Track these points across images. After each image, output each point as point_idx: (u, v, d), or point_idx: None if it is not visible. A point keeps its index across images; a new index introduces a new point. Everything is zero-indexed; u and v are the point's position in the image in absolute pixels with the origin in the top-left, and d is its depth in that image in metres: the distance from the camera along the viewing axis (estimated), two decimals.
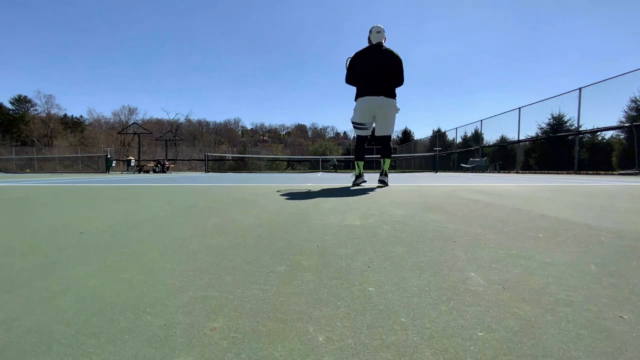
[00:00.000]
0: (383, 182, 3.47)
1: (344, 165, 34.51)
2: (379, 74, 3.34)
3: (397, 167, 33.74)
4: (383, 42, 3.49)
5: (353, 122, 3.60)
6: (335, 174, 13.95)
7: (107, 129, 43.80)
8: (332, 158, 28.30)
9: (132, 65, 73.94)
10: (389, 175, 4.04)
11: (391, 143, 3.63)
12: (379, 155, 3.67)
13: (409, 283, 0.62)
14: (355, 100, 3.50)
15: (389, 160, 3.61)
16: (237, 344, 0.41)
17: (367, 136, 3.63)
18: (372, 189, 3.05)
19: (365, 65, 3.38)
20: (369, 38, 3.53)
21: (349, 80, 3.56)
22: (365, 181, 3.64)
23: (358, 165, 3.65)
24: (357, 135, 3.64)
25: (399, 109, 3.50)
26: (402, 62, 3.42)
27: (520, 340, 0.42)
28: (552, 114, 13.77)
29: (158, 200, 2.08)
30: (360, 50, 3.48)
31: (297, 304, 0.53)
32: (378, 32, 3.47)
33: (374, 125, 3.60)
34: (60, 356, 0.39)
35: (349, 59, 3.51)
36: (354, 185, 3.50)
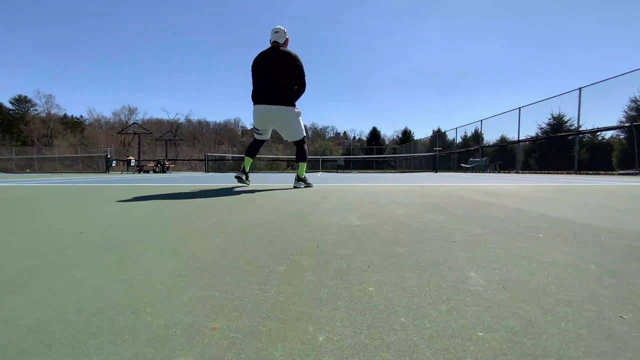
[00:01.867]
0: (297, 187, 3.20)
1: (344, 165, 34.53)
2: (273, 79, 3.09)
3: (397, 167, 33.76)
4: (283, 44, 3.25)
5: (253, 125, 3.42)
6: (337, 174, 13.95)
7: (107, 129, 43.84)
8: (339, 158, 28.23)
9: (132, 65, 73.95)
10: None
11: (305, 145, 3.42)
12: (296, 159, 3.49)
13: (409, 283, 0.62)
14: (253, 104, 3.28)
15: (303, 164, 3.39)
16: (237, 344, 0.41)
17: (263, 140, 3.43)
18: (371, 189, 3.05)
19: (260, 68, 3.14)
20: (270, 40, 3.32)
21: (253, 86, 3.28)
22: (242, 180, 3.34)
23: (246, 160, 3.42)
24: (254, 137, 3.47)
25: (300, 113, 3.27)
26: (302, 66, 3.16)
27: (520, 340, 0.42)
28: (552, 114, 13.79)
29: (157, 201, 2.08)
30: (260, 53, 3.23)
31: (297, 304, 0.53)
32: (276, 32, 3.23)
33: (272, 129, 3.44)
34: (60, 356, 0.39)
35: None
36: (238, 181, 3.37)
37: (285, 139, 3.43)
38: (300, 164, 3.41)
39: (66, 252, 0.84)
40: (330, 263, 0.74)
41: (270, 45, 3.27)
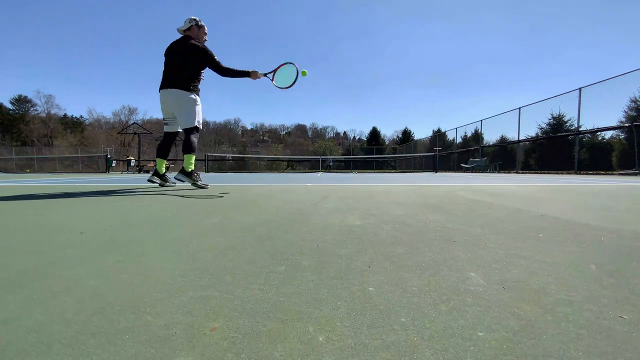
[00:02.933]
0: (179, 180, 3.12)
1: (344, 165, 34.50)
2: (171, 65, 3.13)
3: (397, 167, 33.77)
4: (187, 29, 3.22)
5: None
6: (335, 174, 13.94)
7: (107, 129, 43.82)
8: (329, 158, 27.84)
9: (132, 65, 74.00)
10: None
11: (194, 137, 3.21)
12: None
13: (409, 283, 0.62)
14: None
15: (189, 156, 3.15)
16: (237, 344, 0.41)
17: (172, 132, 3.28)
18: (372, 190, 3.05)
19: (166, 57, 3.18)
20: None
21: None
22: (157, 183, 3.29)
23: (158, 162, 3.30)
24: (164, 131, 3.33)
25: (195, 100, 3.16)
26: (203, 48, 3.15)
27: (520, 340, 0.42)
28: (552, 114, 13.79)
29: (158, 200, 2.08)
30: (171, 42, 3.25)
31: (297, 304, 0.53)
32: (185, 21, 3.24)
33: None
34: (60, 356, 0.39)
35: None
36: (148, 180, 3.32)
37: (180, 129, 3.26)
38: (185, 155, 3.15)
39: (66, 251, 0.84)
40: (330, 263, 0.74)
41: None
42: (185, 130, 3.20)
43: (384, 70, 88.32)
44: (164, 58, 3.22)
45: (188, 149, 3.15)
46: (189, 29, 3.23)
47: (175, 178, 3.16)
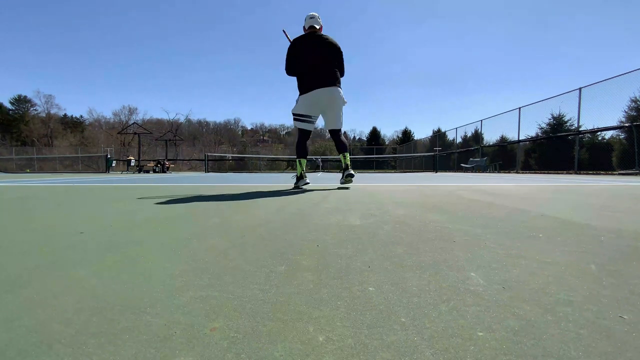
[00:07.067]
0: (350, 176, 3.15)
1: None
2: (324, 64, 3.14)
3: (397, 167, 33.77)
4: (319, 29, 3.28)
5: (296, 114, 3.24)
6: (335, 174, 13.93)
7: (107, 129, 43.83)
8: (317, 158, 25.11)
9: (132, 65, 74.01)
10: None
11: (344, 137, 3.37)
12: (339, 152, 3.34)
13: (409, 283, 0.62)
14: (301, 92, 3.22)
15: (348, 153, 3.30)
16: (237, 344, 0.41)
17: (310, 131, 3.33)
18: (372, 189, 3.05)
19: (307, 55, 3.12)
20: (303, 27, 3.33)
21: (291, 71, 3.24)
22: (308, 182, 3.30)
23: (300, 164, 3.30)
24: (300, 130, 3.32)
25: (345, 102, 3.27)
26: (342, 52, 3.25)
27: (520, 340, 0.42)
28: (552, 114, 13.79)
29: (158, 200, 2.08)
30: (298, 38, 3.20)
31: (297, 304, 0.53)
32: (311, 17, 3.26)
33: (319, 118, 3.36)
34: (60, 356, 0.39)
35: (285, 30, 3.31)
36: (294, 187, 3.22)
37: (327, 128, 3.33)
38: (345, 154, 3.29)
39: (66, 252, 0.84)
40: (330, 263, 0.74)
41: (307, 31, 3.26)
42: (336, 131, 3.27)
43: (384, 70, 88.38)
44: (299, 52, 3.11)
45: (347, 147, 3.30)
46: (320, 27, 3.28)
47: (346, 178, 3.20)
